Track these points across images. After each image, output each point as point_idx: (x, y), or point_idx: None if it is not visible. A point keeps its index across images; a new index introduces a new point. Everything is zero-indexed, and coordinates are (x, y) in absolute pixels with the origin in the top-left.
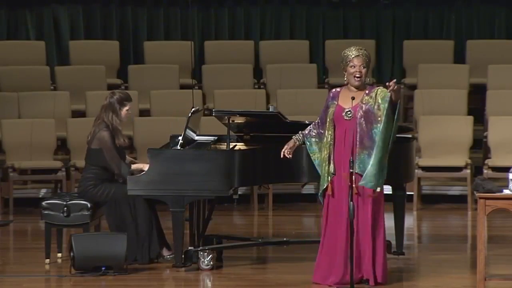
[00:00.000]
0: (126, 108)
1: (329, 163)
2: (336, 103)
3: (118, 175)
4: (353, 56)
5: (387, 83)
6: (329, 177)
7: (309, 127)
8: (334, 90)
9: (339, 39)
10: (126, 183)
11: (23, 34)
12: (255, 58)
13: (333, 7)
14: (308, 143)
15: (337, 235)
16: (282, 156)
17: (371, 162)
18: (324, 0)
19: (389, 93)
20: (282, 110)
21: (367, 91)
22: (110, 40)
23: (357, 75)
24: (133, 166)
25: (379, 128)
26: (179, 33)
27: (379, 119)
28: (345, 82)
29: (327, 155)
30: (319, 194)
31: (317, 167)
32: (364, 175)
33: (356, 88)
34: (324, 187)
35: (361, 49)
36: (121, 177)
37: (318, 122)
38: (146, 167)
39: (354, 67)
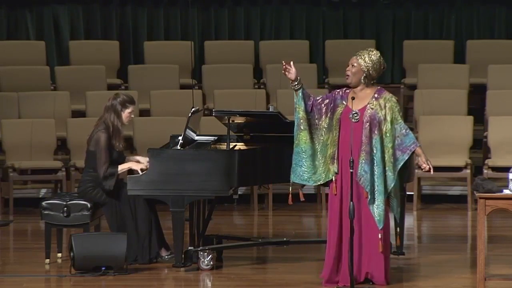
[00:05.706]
0: (129, 110)
1: (332, 162)
2: (345, 103)
3: (101, 181)
4: (352, 56)
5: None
6: (333, 176)
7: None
8: (344, 89)
9: (339, 39)
10: (108, 192)
11: (23, 34)
12: (255, 58)
13: (333, 7)
14: (299, 99)
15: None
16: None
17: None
18: (324, 0)
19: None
20: (282, 110)
21: (376, 95)
22: (110, 40)
23: (347, 73)
24: (121, 166)
25: (378, 139)
26: (179, 33)
27: (383, 130)
28: None
29: (332, 153)
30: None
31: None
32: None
33: (354, 87)
34: (323, 181)
35: (366, 50)
36: (102, 184)
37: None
38: (135, 165)
39: (347, 65)
